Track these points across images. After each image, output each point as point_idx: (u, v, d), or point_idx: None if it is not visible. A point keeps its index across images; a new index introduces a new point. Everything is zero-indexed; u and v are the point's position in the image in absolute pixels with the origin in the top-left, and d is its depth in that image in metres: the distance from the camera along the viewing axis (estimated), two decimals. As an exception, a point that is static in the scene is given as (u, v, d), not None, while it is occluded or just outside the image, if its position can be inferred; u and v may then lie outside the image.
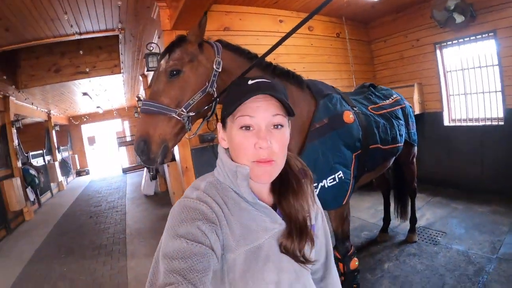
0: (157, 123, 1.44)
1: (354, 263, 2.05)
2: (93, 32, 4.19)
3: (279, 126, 0.76)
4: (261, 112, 0.74)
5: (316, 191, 1.73)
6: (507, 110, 3.85)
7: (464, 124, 4.35)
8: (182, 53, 1.50)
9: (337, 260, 2.12)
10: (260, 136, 0.73)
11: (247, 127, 0.74)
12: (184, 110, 1.45)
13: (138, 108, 10.35)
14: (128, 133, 14.58)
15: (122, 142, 12.98)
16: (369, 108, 2.21)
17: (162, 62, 1.53)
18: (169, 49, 1.53)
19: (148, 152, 1.44)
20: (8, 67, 5.49)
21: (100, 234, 4.94)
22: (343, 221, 2.02)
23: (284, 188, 0.83)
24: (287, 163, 0.83)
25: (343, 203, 1.86)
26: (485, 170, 4.11)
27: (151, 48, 3.52)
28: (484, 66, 4.08)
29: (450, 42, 4.33)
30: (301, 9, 4.14)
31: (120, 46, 4.91)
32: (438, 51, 4.47)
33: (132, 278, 3.31)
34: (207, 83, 1.53)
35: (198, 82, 1.51)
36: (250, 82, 0.77)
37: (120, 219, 5.62)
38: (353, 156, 1.87)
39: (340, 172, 1.77)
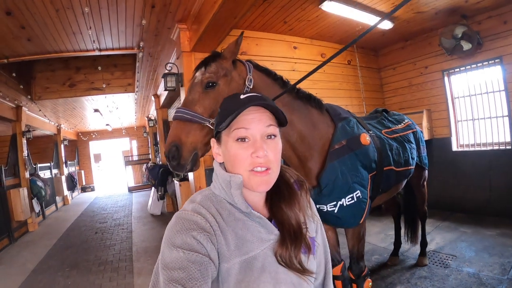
0: (189, 130, 1.47)
1: (368, 284, 2.05)
2: (113, 49, 4.29)
3: (273, 136, 0.79)
4: (255, 123, 0.77)
5: (335, 210, 1.78)
6: (514, 134, 3.91)
7: (472, 149, 4.41)
8: (217, 68, 1.55)
9: (350, 281, 2.13)
10: (257, 146, 0.75)
11: (243, 139, 0.77)
12: None
13: (147, 128, 10.50)
14: (135, 152, 14.70)
15: (129, 161, 13.05)
16: (382, 131, 2.28)
17: (198, 74, 1.58)
18: (205, 63, 1.58)
19: (179, 158, 1.47)
20: (23, 77, 5.58)
21: (106, 250, 4.89)
22: (359, 241, 2.04)
23: (276, 196, 0.84)
24: (280, 173, 0.84)
25: (361, 221, 1.89)
26: (493, 194, 4.14)
27: (170, 68, 3.62)
28: (491, 92, 4.19)
29: (457, 69, 4.47)
30: (314, 37, 4.32)
31: (137, 65, 5.01)
32: (446, 78, 4.59)
33: (138, 295, 3.28)
34: None
35: None
36: (242, 96, 0.80)
37: (126, 237, 5.57)
38: (369, 177, 1.92)
39: (358, 191, 1.81)
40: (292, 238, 0.79)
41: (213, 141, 0.86)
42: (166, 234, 0.72)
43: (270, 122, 0.79)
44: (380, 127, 2.37)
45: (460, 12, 3.98)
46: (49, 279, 3.94)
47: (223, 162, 0.85)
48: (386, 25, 4.01)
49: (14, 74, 5.07)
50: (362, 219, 1.89)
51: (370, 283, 2.07)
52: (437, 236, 3.74)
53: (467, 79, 4.44)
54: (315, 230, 0.90)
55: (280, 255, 0.77)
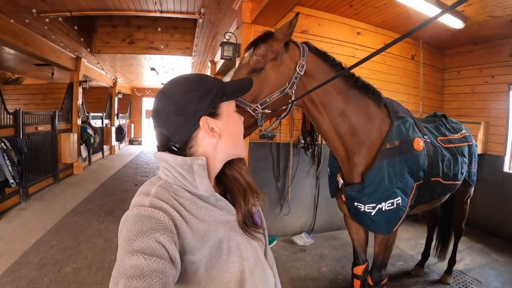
0: None
1: (385, 293, 2.03)
2: (174, 12, 4.39)
3: None
4: None
5: (372, 212, 1.74)
6: None
7: (525, 174, 4.07)
8: (267, 50, 1.48)
9: (368, 287, 2.11)
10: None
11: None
12: (259, 106, 1.42)
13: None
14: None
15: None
16: (438, 139, 2.16)
17: (246, 55, 1.52)
18: (255, 43, 1.51)
19: None
20: (85, 30, 5.86)
21: (141, 203, 5.19)
22: (387, 249, 2.00)
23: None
24: None
25: (394, 229, 1.83)
26: (535, 227, 3.81)
27: (228, 38, 3.63)
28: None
29: (526, 85, 4.07)
30: (379, 25, 4.11)
31: (196, 30, 5.10)
32: (511, 92, 4.21)
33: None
34: (287, 84, 1.51)
35: (278, 82, 1.50)
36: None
37: (163, 194, 5.85)
38: (415, 185, 1.84)
39: (399, 198, 1.75)
40: (243, 197, 0.82)
41: (205, 119, 0.76)
42: (124, 234, 0.64)
43: None
44: (437, 133, 2.24)
45: (537, 23, 3.59)
46: (85, 221, 4.26)
47: (177, 150, 0.77)
48: (457, 24, 3.71)
49: (75, 27, 5.34)
50: (396, 227, 1.83)
51: None
52: (467, 257, 3.56)
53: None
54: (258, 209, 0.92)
55: (241, 219, 0.79)
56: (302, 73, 1.55)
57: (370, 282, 2.04)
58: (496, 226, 4.22)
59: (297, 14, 1.52)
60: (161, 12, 4.32)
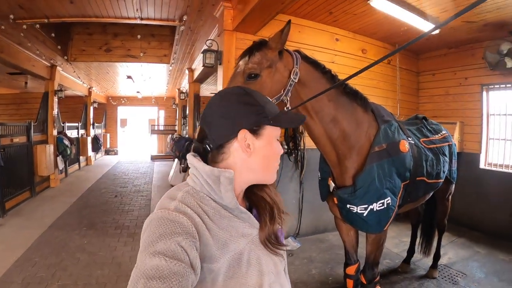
0: None
1: (378, 291, 2.09)
2: (154, 19, 4.33)
3: None
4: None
5: (364, 213, 1.79)
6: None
7: (499, 169, 4.28)
8: (262, 58, 1.52)
9: (361, 285, 2.16)
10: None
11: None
12: None
13: (177, 100, 10.59)
14: (161, 122, 14.95)
15: (154, 130, 13.31)
16: (421, 140, 2.26)
17: (241, 63, 1.55)
18: (250, 52, 1.55)
19: None
20: (60, 38, 5.65)
21: (124, 214, 5.06)
22: (378, 247, 2.06)
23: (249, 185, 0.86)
24: None
25: (385, 228, 1.90)
26: (513, 219, 4.03)
27: (210, 45, 3.63)
28: (530, 115, 4.02)
29: (497, 86, 4.32)
30: (357, 31, 4.24)
31: (176, 37, 5.05)
32: (484, 93, 4.45)
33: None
34: (282, 91, 1.56)
35: (274, 89, 1.54)
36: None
37: (145, 204, 5.72)
38: (402, 185, 1.91)
39: (389, 198, 1.81)
40: (270, 216, 0.81)
41: (245, 132, 0.77)
42: (146, 235, 0.66)
43: None
44: (419, 135, 2.35)
45: (509, 28, 3.81)
46: (66, 236, 4.08)
47: (196, 155, 0.81)
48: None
49: (53, 34, 5.18)
50: (387, 226, 1.90)
51: None
52: (450, 251, 3.71)
53: (506, 97, 4.28)
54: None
55: (265, 237, 0.79)
56: (296, 81, 1.59)
57: (364, 281, 2.09)
58: (475, 220, 4.42)
59: (289, 21, 1.56)
60: (141, 19, 4.26)
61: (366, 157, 1.82)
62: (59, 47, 5.66)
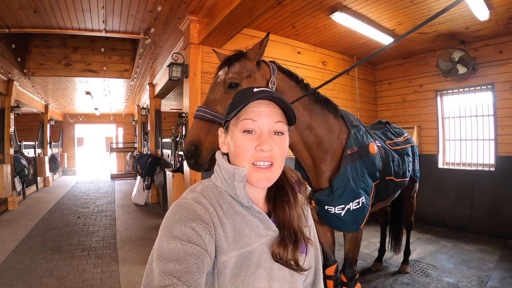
0: (209, 130, 1.48)
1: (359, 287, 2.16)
2: (119, 32, 4.20)
3: (280, 133, 0.77)
4: (264, 117, 0.76)
5: (342, 213, 1.86)
6: (498, 158, 4.19)
7: (457, 167, 4.63)
8: (241, 68, 1.55)
9: (342, 284, 2.22)
10: (262, 140, 0.74)
11: (249, 131, 0.75)
12: None
13: (136, 116, 10.28)
14: (120, 139, 14.45)
15: (113, 148, 12.83)
16: (386, 142, 2.42)
17: (221, 73, 1.56)
18: (229, 62, 1.57)
19: (197, 157, 1.48)
20: (18, 50, 5.27)
21: (89, 236, 4.80)
22: (356, 245, 2.14)
23: (280, 197, 0.83)
24: (284, 174, 0.85)
25: (361, 227, 2.00)
26: (474, 212, 4.37)
27: (176, 58, 3.62)
28: (480, 116, 4.45)
29: (450, 91, 4.70)
30: (318, 44, 4.46)
31: (139, 51, 4.94)
32: (438, 98, 4.82)
33: (125, 284, 3.22)
34: None
35: None
36: (255, 89, 0.79)
37: (110, 224, 5.48)
38: (373, 185, 2.03)
39: (363, 197, 1.91)
40: (292, 240, 0.78)
41: (220, 130, 0.86)
42: (164, 222, 0.69)
43: (280, 118, 0.78)
44: (384, 138, 2.51)
45: (459, 37, 4.19)
46: (30, 261, 3.82)
47: (226, 154, 0.84)
48: (387, 41, 4.13)
49: (13, 46, 4.87)
50: (363, 224, 2.00)
51: (360, 287, 2.18)
52: (418, 247, 3.92)
53: (459, 101, 4.67)
54: (308, 231, 0.90)
55: (278, 254, 0.76)
56: (273, 90, 1.63)
57: (344, 279, 2.15)
58: (438, 216, 4.71)
59: (268, 34, 1.62)
60: (106, 31, 4.13)
61: (339, 160, 1.91)
62: (18, 59, 5.29)
